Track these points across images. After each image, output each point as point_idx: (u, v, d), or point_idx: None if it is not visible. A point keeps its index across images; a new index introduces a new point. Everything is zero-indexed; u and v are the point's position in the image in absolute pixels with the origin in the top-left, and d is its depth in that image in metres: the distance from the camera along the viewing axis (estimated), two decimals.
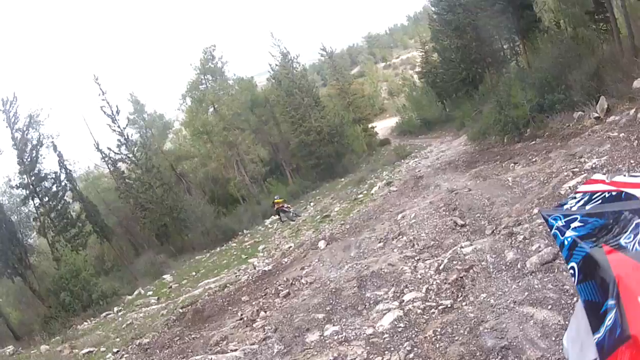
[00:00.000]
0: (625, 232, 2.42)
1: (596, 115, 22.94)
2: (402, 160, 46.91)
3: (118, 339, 21.11)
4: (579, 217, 2.65)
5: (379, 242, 18.18)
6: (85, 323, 29.48)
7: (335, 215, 31.79)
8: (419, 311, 11.18)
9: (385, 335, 10.63)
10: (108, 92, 50.67)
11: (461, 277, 11.89)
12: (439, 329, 9.89)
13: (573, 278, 2.53)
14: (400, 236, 17.63)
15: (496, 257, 12.10)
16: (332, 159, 56.71)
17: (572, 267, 2.53)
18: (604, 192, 2.87)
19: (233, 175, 58.35)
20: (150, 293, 32.83)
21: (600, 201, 2.80)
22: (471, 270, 11.98)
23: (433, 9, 59.83)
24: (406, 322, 10.90)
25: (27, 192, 45.52)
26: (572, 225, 2.61)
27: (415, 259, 14.68)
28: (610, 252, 2.38)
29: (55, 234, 44.75)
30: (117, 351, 18.67)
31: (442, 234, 16.19)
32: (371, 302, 12.74)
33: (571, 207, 2.87)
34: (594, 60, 26.00)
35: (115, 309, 30.77)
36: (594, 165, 16.04)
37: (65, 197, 48.40)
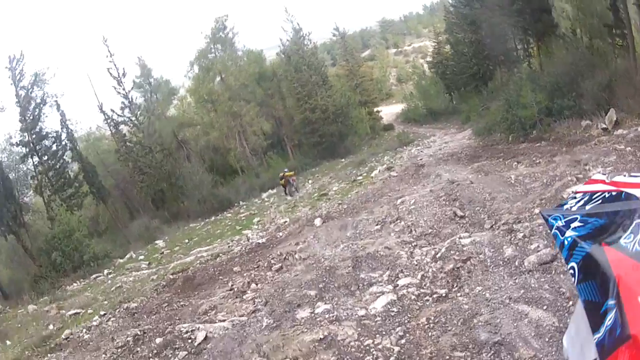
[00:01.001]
0: (625, 232, 2.37)
1: (604, 126, 23.00)
2: (405, 147, 46.84)
3: (106, 302, 20.96)
4: (579, 217, 2.60)
5: (377, 225, 18.10)
6: (75, 284, 29.48)
7: (333, 195, 31.68)
8: (413, 297, 11.08)
9: (378, 318, 10.52)
10: (116, 54, 50.60)
11: (458, 268, 11.80)
12: (432, 317, 9.78)
13: (573, 278, 2.48)
14: (399, 221, 17.57)
15: (494, 251, 12.01)
16: (335, 138, 56.70)
17: (572, 267, 2.48)
18: (604, 192, 2.82)
19: (234, 146, 58.11)
20: (141, 257, 32.87)
21: (600, 201, 2.75)
22: (468, 262, 11.88)
23: (450, 1, 59.77)
24: (399, 307, 10.79)
25: (27, 150, 45.68)
26: (572, 225, 2.56)
27: (412, 244, 14.61)
28: (610, 252, 2.33)
29: (52, 193, 45.10)
30: (104, 314, 18.47)
31: (440, 223, 16.13)
32: (365, 283, 12.65)
33: (571, 207, 2.82)
34: (607, 73, 26.03)
35: (106, 271, 30.66)
36: (599, 173, 15.95)
37: (64, 157, 48.61)
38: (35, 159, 46.06)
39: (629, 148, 18.34)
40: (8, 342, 19.09)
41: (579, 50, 29.42)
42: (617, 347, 2.15)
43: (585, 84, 26.14)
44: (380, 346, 9.40)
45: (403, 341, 9.37)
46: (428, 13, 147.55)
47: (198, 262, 23.30)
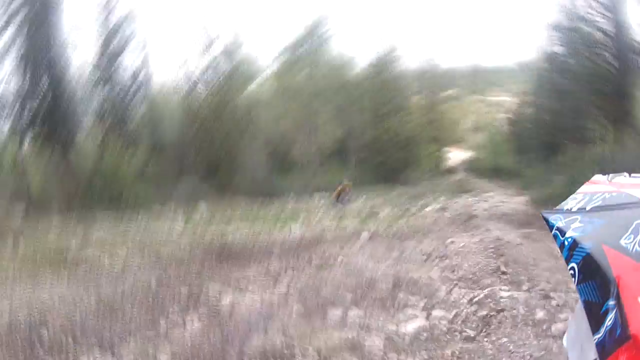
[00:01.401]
0: (626, 232, 2.33)
1: None
2: (462, 194, 46.59)
3: (137, 239, 21.20)
4: (579, 217, 2.61)
5: (423, 255, 18.06)
6: (107, 215, 29.63)
7: (384, 217, 31.52)
8: (443, 329, 11.09)
9: (406, 338, 10.55)
10: (213, 17, 51.36)
11: (490, 316, 11.81)
12: (457, 352, 9.78)
13: (573, 278, 2.46)
14: (445, 258, 17.56)
15: (527, 311, 11.96)
16: (399, 165, 56.60)
17: (572, 268, 2.46)
18: (604, 192, 2.77)
19: (301, 140, 58.51)
20: (181, 214, 33.01)
21: (600, 202, 2.71)
22: (501, 313, 11.90)
23: (546, 65, 59.26)
24: (429, 334, 10.78)
25: (101, 77, 46.05)
26: (573, 225, 2.57)
27: (453, 282, 14.62)
28: (610, 252, 2.31)
29: (111, 125, 45.53)
30: (131, 248, 18.69)
31: (483, 272, 16.08)
32: (401, 304, 12.62)
33: (571, 208, 2.81)
34: None
35: (143, 214, 30.89)
36: None
37: (134, 96, 49.18)
38: (107, 88, 46.44)
39: None
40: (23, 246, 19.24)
41: None
42: (617, 348, 2.12)
43: None
44: None
45: None
46: (520, 70, 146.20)
47: (238, 234, 23.45)
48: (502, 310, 12.06)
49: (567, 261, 2.52)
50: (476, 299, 12.95)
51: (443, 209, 34.25)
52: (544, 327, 10.94)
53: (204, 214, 32.86)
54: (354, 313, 11.75)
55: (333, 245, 20.16)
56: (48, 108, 37.87)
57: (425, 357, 9.70)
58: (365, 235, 22.12)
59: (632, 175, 3.00)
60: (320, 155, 59.24)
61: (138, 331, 10.82)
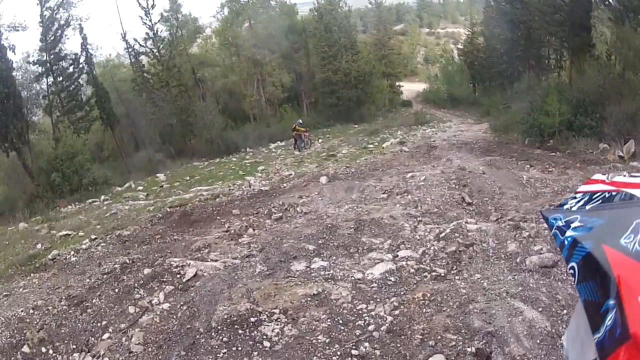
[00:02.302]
0: (626, 232, 2.21)
1: (620, 154, 22.99)
2: (420, 126, 46.88)
3: (99, 227, 20.76)
4: (579, 217, 2.45)
5: (383, 193, 17.94)
6: (70, 207, 29.36)
7: (342, 157, 31.55)
8: (411, 270, 10.90)
9: (374, 285, 10.35)
10: None
11: (460, 251, 11.63)
12: (428, 295, 9.57)
13: (573, 278, 2.34)
14: (406, 194, 17.39)
15: (498, 243, 11.87)
16: (352, 103, 56.72)
17: (572, 267, 2.32)
18: (604, 192, 2.67)
19: (250, 93, 58.12)
20: (140, 188, 32.85)
21: (600, 201, 2.61)
22: (471, 248, 11.72)
23: None
24: (397, 277, 10.62)
25: (43, 69, 45.52)
26: (572, 225, 2.41)
27: (417, 219, 14.41)
28: (610, 251, 2.18)
29: (61, 115, 45.28)
30: (95, 238, 18.33)
31: (447, 205, 15.97)
32: (365, 247, 12.46)
33: (571, 207, 2.66)
34: (635, 105, 25.93)
35: (103, 197, 30.60)
36: None
37: (79, 80, 48.73)
38: (50, 79, 45.98)
39: None
40: None
41: (610, 76, 29.33)
42: (617, 347, 2.01)
43: (611, 109, 26.21)
44: (373, 313, 9.25)
45: (397, 312, 9.18)
46: (468, 1, 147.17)
47: (197, 199, 23.01)
48: (472, 244, 11.94)
49: (567, 260, 2.41)
50: (443, 234, 12.82)
51: (401, 143, 34.26)
52: (518, 260, 10.88)
53: (162, 184, 32.57)
54: (318, 265, 11.54)
55: (292, 194, 19.96)
56: None
57: (396, 303, 9.51)
58: (323, 179, 21.92)
59: (632, 174, 2.88)
60: (272, 105, 59.39)
61: (110, 324, 10.67)
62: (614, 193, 2.61)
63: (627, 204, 2.47)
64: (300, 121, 43.13)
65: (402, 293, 9.93)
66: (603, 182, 2.83)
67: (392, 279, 10.59)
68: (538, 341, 7.80)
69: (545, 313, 8.52)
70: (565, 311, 8.45)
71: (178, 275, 12.26)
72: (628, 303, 2.00)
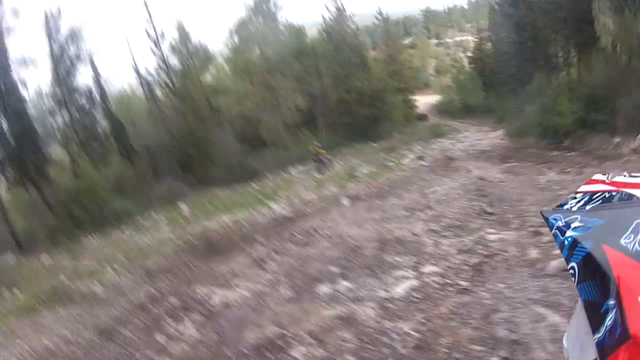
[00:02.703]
0: (626, 232, 2.25)
1: (634, 147, 22.81)
2: (437, 139, 46.83)
3: (123, 258, 20.87)
4: (579, 217, 2.48)
5: (405, 211, 17.99)
6: (93, 239, 29.42)
7: (362, 177, 31.27)
8: (436, 286, 10.97)
9: (399, 303, 10.41)
10: (155, 16, 50.73)
11: (482, 263, 11.72)
12: (453, 308, 9.68)
13: (573, 278, 2.36)
14: (427, 209, 17.51)
15: (519, 251, 11.95)
16: (368, 122, 56.38)
17: (572, 267, 2.33)
18: (604, 192, 2.70)
19: (267, 118, 58.12)
20: (162, 218, 32.78)
21: (600, 201, 2.64)
22: (493, 258, 11.82)
23: None
24: (422, 294, 10.68)
25: (57, 104, 45.76)
26: (573, 225, 2.44)
27: (440, 234, 14.53)
28: (610, 252, 2.22)
29: (78, 148, 45.33)
30: (120, 269, 18.54)
31: (468, 217, 16.06)
32: (389, 266, 12.51)
33: (571, 207, 2.69)
34: None
35: (125, 229, 30.64)
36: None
37: (94, 113, 48.85)
38: (65, 113, 46.12)
39: None
40: (17, 292, 19.16)
41: (617, 67, 29.21)
42: (617, 347, 2.03)
43: (621, 101, 26.04)
44: (399, 330, 9.27)
45: (423, 328, 9.22)
46: (473, 8, 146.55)
47: (220, 227, 23.24)
48: (494, 254, 12.00)
49: (567, 261, 2.41)
50: (465, 247, 12.88)
51: (420, 157, 34.23)
52: (539, 266, 10.92)
53: (184, 213, 32.63)
54: (343, 286, 11.63)
55: (314, 217, 20.06)
56: (12, 147, 37.44)
57: (421, 319, 9.57)
58: (345, 200, 22.04)
59: (632, 174, 2.88)
60: (289, 129, 59.40)
61: (140, 355, 10.70)
62: (614, 193, 2.63)
63: (627, 204, 2.51)
64: (316, 142, 43.20)
65: (427, 309, 9.97)
66: (603, 182, 2.85)
67: (417, 295, 10.64)
68: (561, 345, 7.79)
69: (567, 316, 8.36)
70: None
71: (205, 304, 12.36)
72: (628, 303, 2.03)
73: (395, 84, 65.96)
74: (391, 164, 35.01)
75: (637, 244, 2.17)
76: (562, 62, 44.64)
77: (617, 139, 24.37)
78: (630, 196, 2.57)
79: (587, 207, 2.61)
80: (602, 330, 2.14)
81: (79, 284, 17.42)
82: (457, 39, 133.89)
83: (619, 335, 2.02)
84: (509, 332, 8.43)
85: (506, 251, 12.08)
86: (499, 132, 41.81)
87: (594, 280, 2.24)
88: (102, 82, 49.52)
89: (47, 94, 45.60)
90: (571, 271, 2.34)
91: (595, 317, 2.21)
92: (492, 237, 13.15)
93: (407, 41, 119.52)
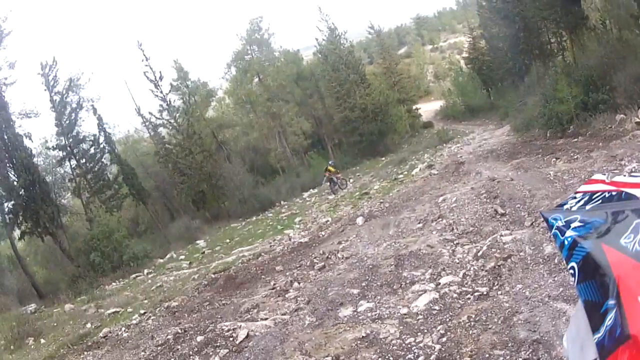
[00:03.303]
0: (625, 232, 2.33)
1: (637, 120, 22.75)
2: (444, 145, 46.81)
3: (146, 301, 21.17)
4: (579, 217, 2.55)
5: (419, 223, 18.01)
6: (114, 284, 29.68)
7: (375, 193, 31.57)
8: (454, 295, 11.04)
9: (420, 317, 10.49)
10: (151, 58, 50.81)
11: (499, 266, 11.74)
12: (473, 316, 9.73)
13: (573, 278, 2.45)
14: (440, 219, 17.47)
15: (534, 249, 11.96)
16: (375, 137, 56.62)
17: (572, 267, 2.43)
18: (604, 192, 2.76)
19: (274, 146, 58.37)
20: (182, 257, 33.03)
21: (600, 201, 2.70)
22: (509, 260, 11.83)
23: None
24: (441, 305, 10.74)
25: (64, 153, 46.34)
26: (572, 225, 2.51)
27: (454, 242, 14.55)
28: (610, 252, 2.30)
29: (90, 195, 45.79)
30: (144, 312, 18.63)
31: (482, 220, 16.03)
32: (407, 281, 12.59)
33: (571, 207, 2.76)
34: (638, 65, 25.71)
35: (146, 271, 30.85)
36: (633, 169, 16.05)
37: (102, 160, 49.30)
38: (73, 162, 46.73)
39: None
40: (43, 341, 19.31)
41: (609, 43, 29.22)
42: (617, 347, 2.14)
43: (618, 76, 26.01)
44: (421, 344, 9.35)
45: (444, 339, 9.30)
46: (462, 8, 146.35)
47: (240, 261, 23.34)
48: (509, 256, 12.04)
49: (567, 260, 2.50)
50: (480, 252, 12.95)
51: (429, 166, 34.27)
52: (555, 261, 10.90)
53: (204, 251, 32.77)
54: (364, 307, 11.71)
55: (331, 241, 20.14)
56: (24, 199, 37.66)
57: (442, 330, 9.64)
58: (359, 220, 22.10)
59: (632, 174, 3.07)
60: (298, 154, 59.47)
61: None
62: (613, 193, 2.70)
63: (627, 204, 2.53)
64: (332, 162, 43.38)
65: (447, 319, 10.04)
66: (603, 182, 2.91)
67: (437, 307, 10.70)
68: (560, 344, 7.79)
69: None
70: None
71: (231, 339, 12.44)
72: (628, 303, 2.11)
73: (396, 95, 66.11)
74: (401, 176, 35.19)
75: (637, 244, 2.25)
76: (556, 47, 44.77)
77: (620, 116, 24.27)
78: (630, 196, 2.63)
79: (587, 207, 2.69)
80: (602, 330, 2.23)
81: (105, 330, 17.56)
82: (451, 41, 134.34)
83: (619, 335, 2.12)
84: (530, 333, 8.46)
85: (522, 251, 12.09)
86: (504, 129, 41.70)
87: (594, 280, 2.32)
88: (106, 128, 50.12)
89: (53, 145, 46.70)
90: (571, 271, 2.44)
91: (595, 317, 2.29)
92: (506, 238, 13.12)
93: (402, 51, 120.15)
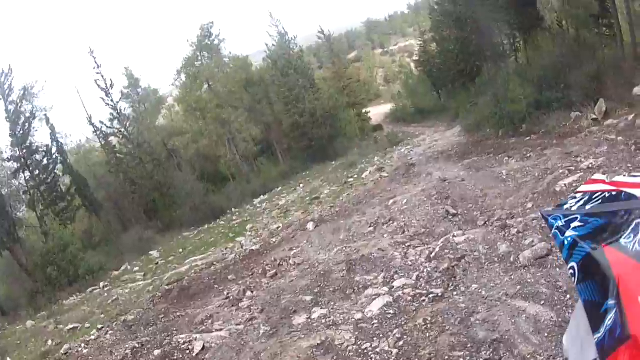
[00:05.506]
0: (625, 232, 2.36)
1: (594, 117, 23.09)
2: (395, 147, 46.80)
3: (103, 315, 20.95)
4: (579, 217, 2.59)
5: (370, 227, 18.14)
6: (72, 298, 29.32)
7: (325, 198, 31.63)
8: (409, 298, 11.11)
9: (374, 321, 10.55)
10: (103, 65, 50.26)
11: (453, 267, 11.87)
12: (429, 318, 9.81)
13: (573, 278, 2.48)
14: (391, 222, 17.60)
15: (489, 248, 12.09)
16: (324, 141, 56.61)
17: (572, 267, 2.47)
18: (604, 192, 2.80)
19: (224, 153, 58.07)
20: (136, 269, 32.80)
21: (600, 201, 2.73)
22: (463, 260, 11.96)
23: None
24: (396, 308, 10.83)
25: (18, 165, 45.60)
26: (572, 225, 2.55)
27: (406, 245, 14.64)
28: (610, 252, 2.33)
29: (45, 208, 45.06)
30: (102, 327, 18.47)
31: (433, 222, 16.17)
32: (360, 286, 12.68)
33: (571, 207, 2.80)
34: (595, 63, 26.16)
35: (102, 284, 30.56)
36: (590, 165, 16.13)
37: (55, 171, 48.35)
38: (27, 173, 45.87)
39: (620, 137, 18.46)
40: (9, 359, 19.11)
41: (565, 42, 29.51)
42: (617, 347, 2.16)
43: (573, 75, 26.33)
44: (378, 349, 9.43)
45: (401, 343, 9.38)
46: (413, 12, 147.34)
47: (193, 271, 23.32)
48: (463, 256, 12.16)
49: (567, 260, 2.54)
50: (433, 253, 13.07)
51: (379, 169, 34.26)
52: (511, 259, 11.11)
53: (157, 261, 32.54)
54: (317, 314, 11.80)
55: (282, 248, 20.25)
56: None
57: (398, 334, 9.73)
58: (310, 225, 22.21)
59: (632, 174, 3.15)
60: (248, 160, 59.30)
61: None
62: (613, 193, 2.76)
63: (627, 204, 2.58)
64: None
65: (403, 323, 10.09)
66: (603, 182, 2.99)
67: (391, 311, 10.76)
68: (546, 334, 7.95)
69: (548, 304, 8.69)
70: (568, 296, 8.59)
71: (187, 351, 12.43)
72: (628, 303, 2.18)
73: (346, 100, 66.02)
74: (352, 180, 35.21)
75: (637, 244, 2.32)
76: (508, 49, 45.02)
77: (575, 113, 24.50)
78: (630, 196, 2.68)
79: (587, 207, 2.75)
80: (602, 330, 2.30)
81: (65, 347, 17.39)
82: (401, 44, 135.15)
83: (619, 335, 2.18)
84: (490, 332, 8.56)
85: (475, 250, 12.20)
86: (455, 130, 41.85)
87: (594, 280, 2.39)
88: (59, 138, 49.44)
89: (7, 156, 46.07)
90: (571, 271, 2.51)
91: (595, 317, 2.36)
92: (459, 238, 13.23)
93: (352, 55, 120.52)
